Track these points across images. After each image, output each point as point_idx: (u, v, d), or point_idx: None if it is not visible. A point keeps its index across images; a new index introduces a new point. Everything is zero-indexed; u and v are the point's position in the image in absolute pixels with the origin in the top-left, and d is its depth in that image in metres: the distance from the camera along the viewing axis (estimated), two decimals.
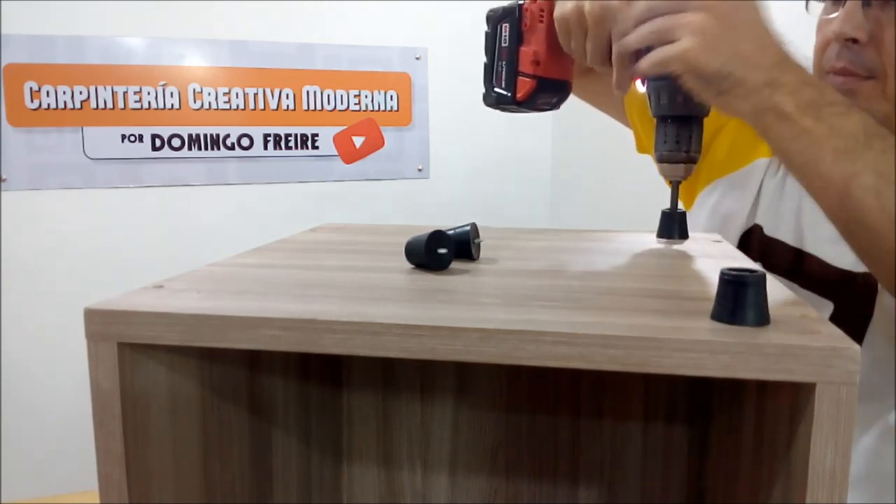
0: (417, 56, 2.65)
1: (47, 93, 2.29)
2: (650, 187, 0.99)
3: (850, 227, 0.51)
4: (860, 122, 0.52)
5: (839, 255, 0.71)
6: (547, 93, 0.69)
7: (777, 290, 0.45)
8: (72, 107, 2.32)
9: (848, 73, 0.66)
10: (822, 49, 0.69)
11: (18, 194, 2.29)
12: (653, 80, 0.62)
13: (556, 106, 0.71)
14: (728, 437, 0.56)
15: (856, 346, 0.32)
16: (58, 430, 2.35)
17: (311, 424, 0.67)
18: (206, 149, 2.47)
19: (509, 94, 0.68)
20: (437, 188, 2.72)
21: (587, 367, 0.35)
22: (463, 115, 2.60)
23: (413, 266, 0.52)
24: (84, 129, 2.34)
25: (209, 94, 2.45)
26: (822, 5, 0.70)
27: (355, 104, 2.62)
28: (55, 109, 2.31)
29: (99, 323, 0.39)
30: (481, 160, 2.68)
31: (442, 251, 0.51)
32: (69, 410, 2.31)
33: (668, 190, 0.67)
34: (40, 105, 2.30)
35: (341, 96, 2.60)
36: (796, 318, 0.37)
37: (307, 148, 2.58)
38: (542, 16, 0.67)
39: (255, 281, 0.47)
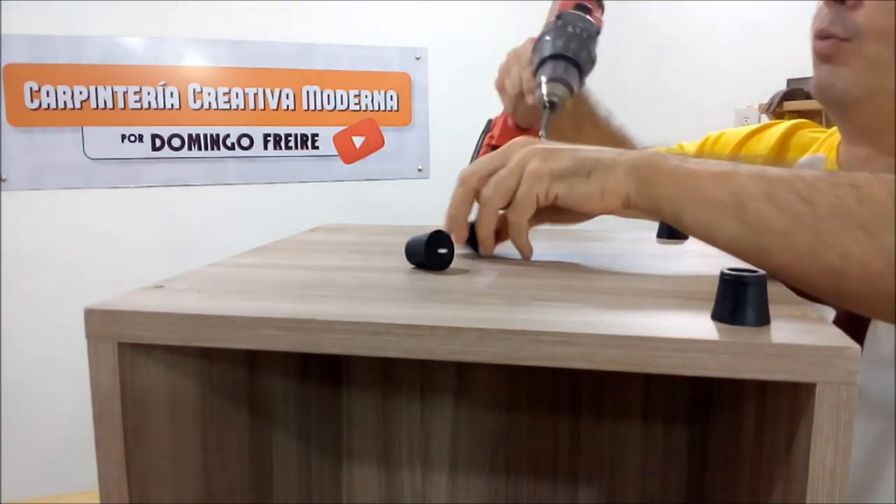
0: (417, 56, 2.65)
1: (47, 93, 2.30)
2: None
3: (761, 245, 0.48)
4: (720, 161, 0.52)
5: None
6: None
7: (777, 290, 0.45)
8: (72, 107, 2.32)
9: (829, 36, 0.66)
10: (817, 17, 0.70)
11: (18, 194, 2.30)
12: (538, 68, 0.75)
13: None
14: (728, 437, 0.56)
15: (856, 346, 0.32)
16: (58, 430, 2.35)
17: (311, 424, 0.67)
18: (206, 149, 2.47)
19: None
20: (437, 188, 2.73)
21: (587, 367, 0.35)
22: (463, 115, 2.60)
23: (413, 266, 0.52)
24: (84, 129, 2.35)
25: (209, 94, 2.45)
26: None
27: (355, 104, 2.62)
28: (55, 109, 2.31)
29: (99, 323, 0.39)
30: None
31: (442, 251, 0.51)
32: (69, 410, 2.31)
33: None
34: (40, 105, 2.30)
35: (341, 96, 2.60)
36: (796, 318, 0.37)
37: (307, 148, 2.58)
38: (503, 115, 0.87)
39: (254, 281, 0.47)
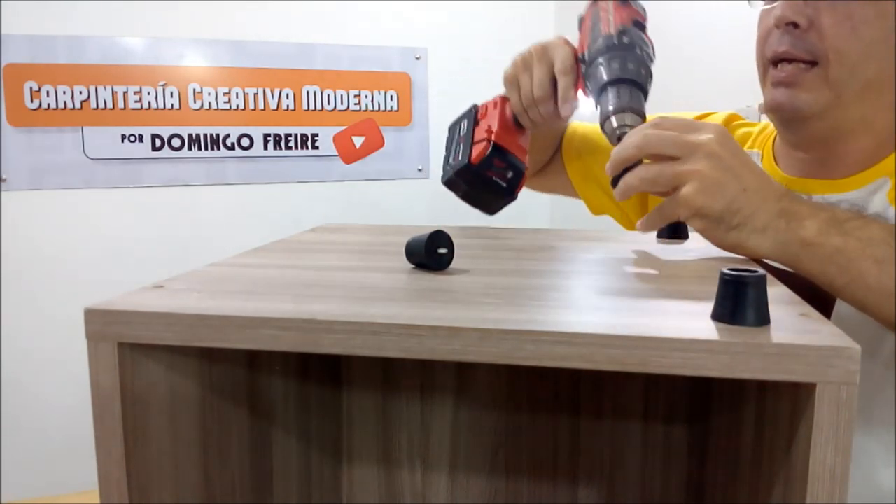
0: (417, 56, 2.65)
1: (47, 93, 2.29)
2: None
3: None
4: (881, 228, 0.53)
5: None
6: (500, 159, 0.73)
7: (777, 290, 0.45)
8: (72, 107, 2.32)
9: (790, 58, 0.67)
10: (763, 39, 0.70)
11: (18, 194, 2.29)
12: (592, 80, 0.67)
13: (510, 185, 0.74)
14: (728, 438, 0.56)
15: (856, 346, 0.32)
16: (58, 430, 2.35)
17: (311, 424, 0.67)
18: (206, 149, 2.47)
19: (465, 160, 0.73)
20: (437, 188, 2.72)
21: (587, 367, 0.35)
22: None
23: (413, 266, 0.52)
24: (84, 129, 2.34)
25: (209, 94, 2.45)
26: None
27: (355, 104, 2.62)
28: (55, 109, 2.31)
29: (99, 323, 0.39)
30: None
31: (442, 251, 0.51)
32: (69, 410, 2.31)
33: None
34: (40, 105, 2.29)
35: (341, 96, 2.60)
36: (796, 318, 0.37)
37: (307, 148, 2.58)
38: (495, 104, 0.77)
39: (254, 281, 0.47)
